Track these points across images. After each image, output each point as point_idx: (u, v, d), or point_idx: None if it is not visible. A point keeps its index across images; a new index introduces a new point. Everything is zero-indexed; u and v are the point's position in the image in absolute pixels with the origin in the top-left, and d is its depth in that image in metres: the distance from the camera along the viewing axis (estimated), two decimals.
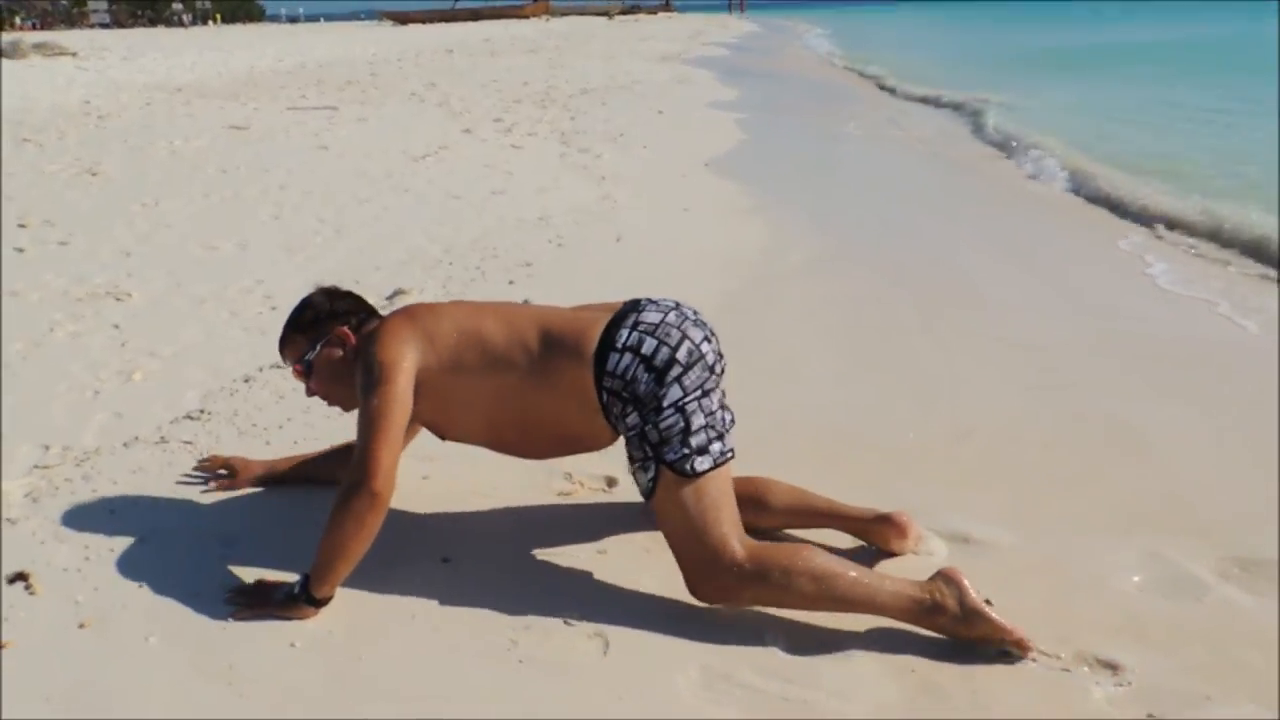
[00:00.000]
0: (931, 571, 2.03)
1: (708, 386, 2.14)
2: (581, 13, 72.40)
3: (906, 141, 10.96)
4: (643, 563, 2.29)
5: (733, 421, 2.21)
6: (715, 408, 2.15)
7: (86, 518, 2.44)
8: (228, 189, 6.93)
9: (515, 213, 6.29)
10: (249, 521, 2.47)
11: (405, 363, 2.16)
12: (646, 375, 2.10)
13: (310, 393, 2.41)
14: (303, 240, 5.49)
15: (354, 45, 29.16)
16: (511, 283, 4.67)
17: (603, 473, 2.68)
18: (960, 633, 1.97)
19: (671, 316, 2.20)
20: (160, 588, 2.15)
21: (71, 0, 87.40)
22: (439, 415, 2.29)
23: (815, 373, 3.60)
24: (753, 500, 2.37)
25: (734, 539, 2.05)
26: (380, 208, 6.40)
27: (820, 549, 2.11)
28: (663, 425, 2.08)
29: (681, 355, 2.12)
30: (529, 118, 11.65)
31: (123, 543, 2.32)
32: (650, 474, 2.10)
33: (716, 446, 2.11)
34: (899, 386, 3.44)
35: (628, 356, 2.12)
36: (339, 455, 2.59)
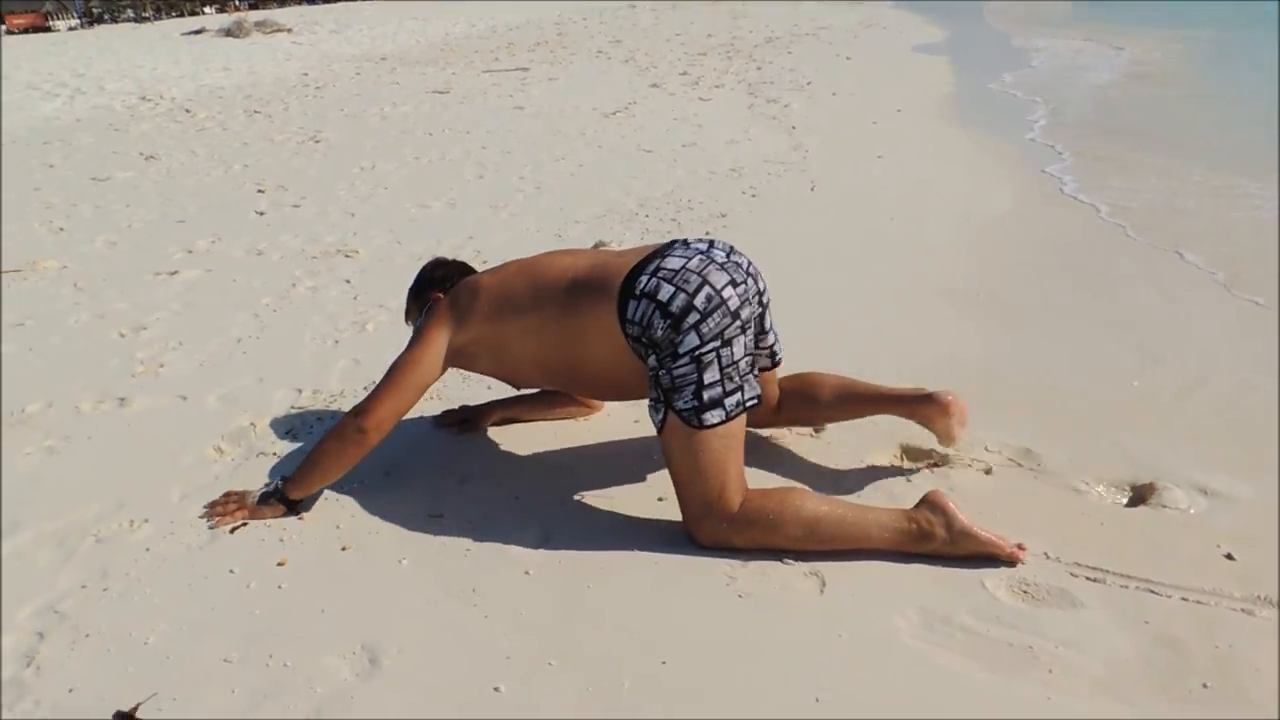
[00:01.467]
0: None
1: (729, 334, 2.11)
2: None
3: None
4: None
5: (773, 357, 2.36)
6: (738, 357, 2.13)
7: None
8: (435, 151, 7.30)
9: (707, 165, 6.33)
10: (480, 462, 2.65)
11: (438, 334, 2.35)
12: (662, 322, 2.10)
13: None
14: (506, 197, 5.73)
15: (539, 7, 29.74)
16: (708, 233, 4.72)
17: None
18: (953, 553, 2.04)
19: (694, 262, 2.17)
20: (406, 518, 2.35)
21: None
22: (501, 368, 2.46)
23: (1025, 320, 3.48)
24: (800, 396, 2.49)
25: (731, 490, 2.10)
26: (575, 164, 6.58)
27: (810, 492, 2.18)
28: (676, 373, 2.09)
29: (699, 302, 2.10)
30: (715, 70, 11.60)
31: (370, 476, 2.54)
32: (660, 416, 2.14)
33: (733, 399, 2.11)
34: (1122, 338, 3.28)
35: (645, 303, 2.13)
36: (557, 397, 2.78)
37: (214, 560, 2.19)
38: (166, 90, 12.19)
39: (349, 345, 3.51)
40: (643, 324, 2.13)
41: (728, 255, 2.27)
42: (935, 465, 2.49)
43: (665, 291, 2.12)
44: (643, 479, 2.49)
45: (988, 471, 2.44)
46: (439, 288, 2.58)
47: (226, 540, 2.27)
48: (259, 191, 6.20)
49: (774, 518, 2.08)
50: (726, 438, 2.11)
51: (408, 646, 1.89)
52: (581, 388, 2.52)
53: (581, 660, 1.84)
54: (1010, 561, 2.03)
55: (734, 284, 2.17)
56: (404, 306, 2.75)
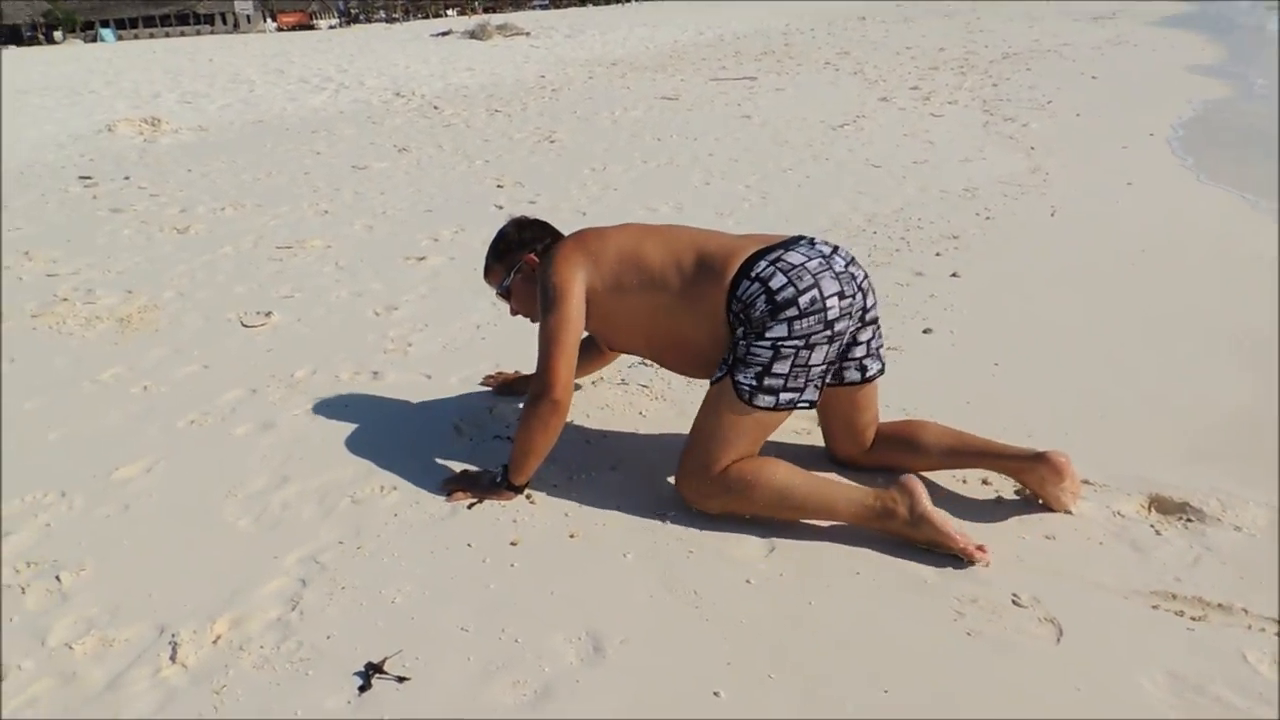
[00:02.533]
0: None
1: (815, 339, 2.20)
2: None
3: None
4: (1094, 554, 2.19)
5: (862, 371, 2.39)
6: (814, 361, 2.22)
7: (568, 444, 2.80)
8: (663, 155, 7.46)
9: (938, 183, 6.14)
10: None
11: (575, 285, 2.38)
12: (765, 305, 2.21)
13: (513, 312, 2.71)
14: (732, 205, 5.78)
15: (767, 16, 29.76)
16: (938, 255, 4.58)
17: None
18: (911, 536, 2.16)
19: (814, 264, 2.25)
20: (631, 513, 2.41)
21: None
22: (604, 330, 2.54)
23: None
24: (904, 442, 2.48)
25: (728, 460, 2.23)
26: (802, 175, 6.54)
27: (782, 462, 2.27)
28: (753, 351, 2.21)
29: (803, 301, 2.20)
30: (948, 85, 11.23)
31: (598, 469, 2.63)
32: (719, 375, 2.28)
33: (788, 395, 2.22)
34: None
35: (756, 285, 2.23)
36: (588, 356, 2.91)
37: (453, 532, 2.34)
38: (418, 87, 13.07)
39: None
40: (746, 301, 2.24)
41: (846, 265, 2.32)
42: (1189, 521, 2.31)
43: (778, 281, 2.22)
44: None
45: (1238, 529, 2.25)
46: (528, 249, 2.61)
47: (464, 515, 2.41)
48: (498, 186, 6.54)
49: (749, 481, 2.22)
50: (762, 423, 2.27)
51: (631, 639, 1.95)
52: (676, 361, 2.54)
53: (802, 676, 1.83)
54: (968, 559, 2.11)
55: (841, 295, 2.25)
56: (493, 268, 2.68)
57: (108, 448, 2.82)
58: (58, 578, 2.18)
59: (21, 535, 2.36)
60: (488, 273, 2.75)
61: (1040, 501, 2.38)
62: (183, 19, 70.21)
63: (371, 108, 11.21)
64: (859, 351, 2.41)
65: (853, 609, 2.03)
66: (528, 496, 2.49)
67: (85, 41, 52.53)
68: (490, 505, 2.45)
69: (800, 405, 2.26)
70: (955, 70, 12.71)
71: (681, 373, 2.59)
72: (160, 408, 3.10)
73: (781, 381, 2.22)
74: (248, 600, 2.09)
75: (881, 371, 2.47)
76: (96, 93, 14.12)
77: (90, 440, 2.88)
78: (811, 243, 2.35)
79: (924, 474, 2.45)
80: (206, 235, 5.42)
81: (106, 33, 62.61)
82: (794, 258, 2.26)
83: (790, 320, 2.19)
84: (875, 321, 2.42)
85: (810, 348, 2.21)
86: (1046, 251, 4.58)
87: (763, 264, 2.26)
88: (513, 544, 2.29)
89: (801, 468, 2.31)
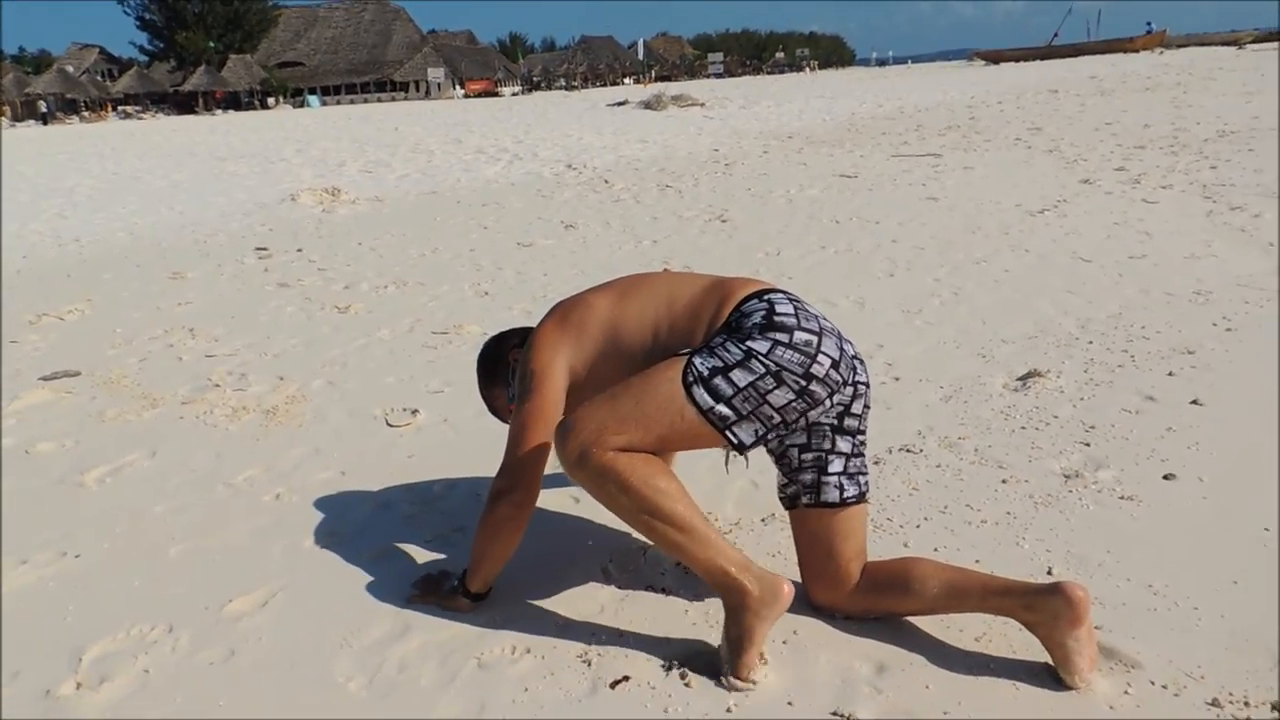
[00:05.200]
0: None
1: (787, 378, 1.99)
2: (1203, 42, 64.02)
3: None
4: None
5: (845, 490, 2.14)
6: (773, 403, 1.99)
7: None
8: (842, 240, 6.99)
9: (1162, 284, 5.39)
10: None
11: (555, 369, 2.20)
12: (761, 319, 2.06)
13: None
14: (919, 301, 5.24)
15: (949, 88, 28.94)
16: (1171, 374, 3.90)
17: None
18: (740, 621, 1.98)
19: (826, 324, 2.12)
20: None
21: (694, 55, 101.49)
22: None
23: None
24: (894, 581, 2.14)
25: (612, 435, 1.96)
26: (999, 269, 5.93)
27: (665, 467, 2.02)
28: (725, 347, 2.03)
29: (798, 336, 2.03)
30: (1158, 166, 10.29)
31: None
32: (680, 352, 2.07)
33: (724, 411, 1.98)
34: None
35: (763, 304, 2.10)
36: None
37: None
38: (590, 160, 13.15)
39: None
40: (745, 313, 2.09)
41: (854, 354, 2.16)
42: None
43: (784, 308, 2.09)
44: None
45: None
46: (511, 348, 2.49)
47: (606, 695, 2.01)
48: (665, 269, 6.24)
49: (624, 478, 1.95)
50: (680, 413, 1.99)
51: None
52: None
53: None
54: (733, 677, 1.97)
55: (834, 365, 2.06)
56: (493, 392, 2.57)
57: (228, 570, 2.57)
58: None
59: (117, 683, 2.10)
60: (491, 401, 2.59)
61: (1051, 666, 1.96)
62: (381, 86, 75.49)
63: (543, 180, 11.27)
64: (835, 466, 2.15)
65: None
66: (683, 679, 2.06)
67: (294, 107, 57.17)
68: (639, 684, 2.04)
69: (728, 433, 2.00)
70: (1165, 150, 11.69)
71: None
72: (289, 522, 2.85)
73: (730, 392, 1.98)
74: None
75: (862, 498, 2.19)
76: (287, 160, 14.95)
77: (212, 559, 2.65)
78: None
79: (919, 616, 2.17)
80: (365, 316, 5.32)
81: (313, 99, 68.27)
82: (811, 309, 2.16)
83: (775, 342, 2.02)
84: (855, 434, 2.17)
85: (779, 382, 1.99)
86: None
87: (778, 294, 2.15)
88: None
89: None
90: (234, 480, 3.17)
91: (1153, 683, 1.97)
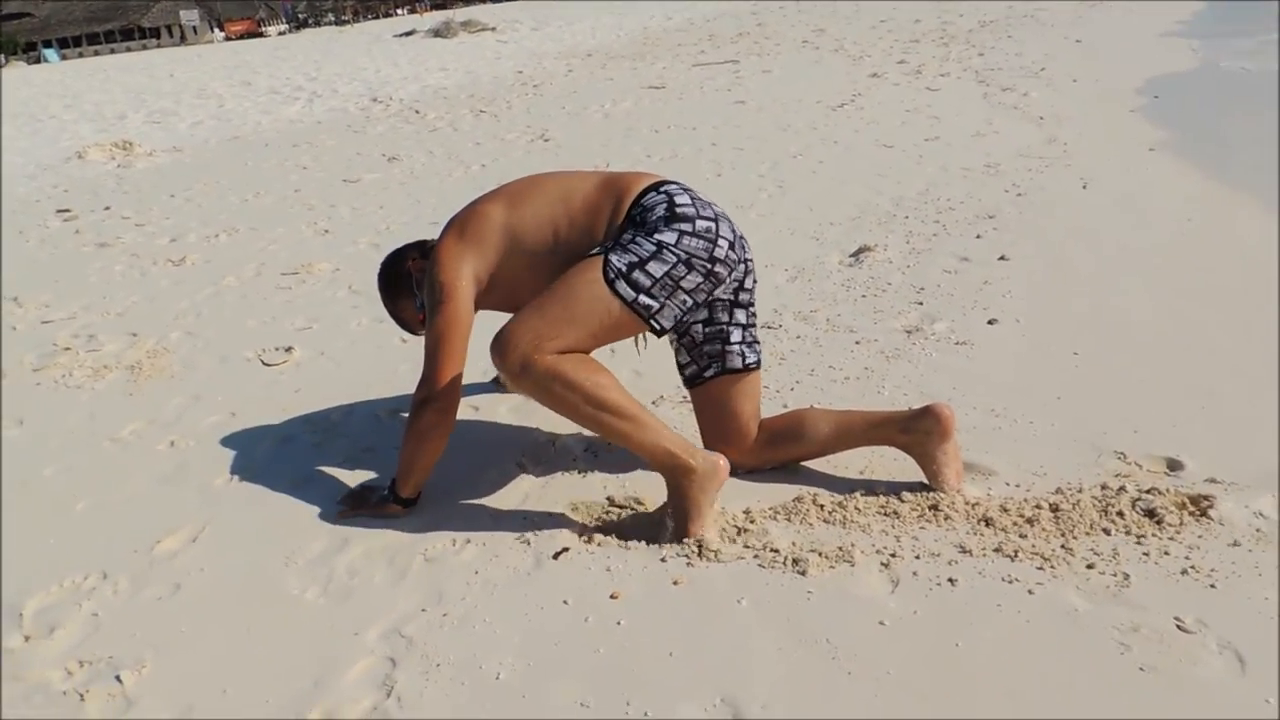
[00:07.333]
0: None
1: (696, 263, 2.17)
2: None
3: None
4: (1244, 562, 2.00)
5: (747, 356, 2.38)
6: (686, 287, 2.17)
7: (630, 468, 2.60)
8: (665, 148, 7.24)
9: (957, 161, 5.95)
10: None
11: (462, 279, 2.30)
12: (664, 211, 2.21)
13: None
14: (749, 196, 5.57)
15: None
16: (979, 237, 4.40)
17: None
18: (684, 493, 2.21)
19: (719, 209, 2.30)
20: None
21: None
22: (511, 302, 2.38)
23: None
24: (788, 432, 2.43)
25: (548, 341, 2.10)
26: (814, 161, 6.34)
27: (617, 386, 2.16)
28: (636, 241, 2.17)
29: (699, 224, 2.19)
30: (934, 57, 11.07)
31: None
32: (593, 252, 2.21)
33: (646, 301, 2.15)
34: None
35: (662, 196, 2.25)
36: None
37: (544, 588, 2.13)
38: (394, 91, 12.77)
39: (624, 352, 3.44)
40: (647, 206, 2.23)
41: (739, 235, 2.33)
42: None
43: (683, 199, 2.24)
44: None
45: None
46: (408, 257, 2.57)
47: (551, 566, 2.21)
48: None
49: (567, 377, 2.10)
50: (610, 316, 2.15)
51: (771, 703, 1.74)
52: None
53: None
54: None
55: (731, 246, 2.24)
56: (399, 303, 2.65)
57: (143, 516, 2.58)
58: (118, 678, 1.94)
59: (69, 629, 2.12)
60: (399, 314, 2.67)
61: (930, 484, 2.33)
62: (127, 34, 68.93)
63: (350, 115, 10.90)
64: (736, 336, 2.37)
65: (1006, 650, 1.84)
66: (619, 542, 2.28)
67: (29, 63, 51.27)
68: (579, 553, 2.24)
69: (652, 322, 2.19)
70: (937, 42, 12.54)
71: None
72: (192, 465, 2.86)
73: (649, 283, 2.15)
74: (336, 689, 1.87)
75: (759, 364, 2.43)
76: (57, 117, 13.71)
77: (122, 508, 2.64)
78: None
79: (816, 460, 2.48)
80: (204, 266, 5.15)
81: (50, 53, 61.28)
82: (702, 196, 2.33)
83: (681, 232, 2.18)
84: (748, 306, 2.39)
85: (689, 268, 2.17)
86: (1089, 227, 4.41)
87: (673, 185, 2.31)
88: (613, 598, 2.08)
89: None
90: (119, 435, 3.11)
91: (1008, 484, 2.38)
